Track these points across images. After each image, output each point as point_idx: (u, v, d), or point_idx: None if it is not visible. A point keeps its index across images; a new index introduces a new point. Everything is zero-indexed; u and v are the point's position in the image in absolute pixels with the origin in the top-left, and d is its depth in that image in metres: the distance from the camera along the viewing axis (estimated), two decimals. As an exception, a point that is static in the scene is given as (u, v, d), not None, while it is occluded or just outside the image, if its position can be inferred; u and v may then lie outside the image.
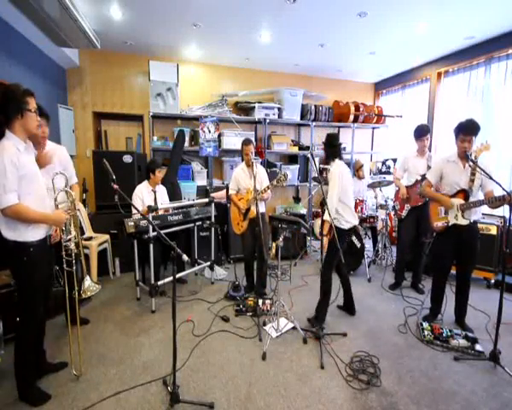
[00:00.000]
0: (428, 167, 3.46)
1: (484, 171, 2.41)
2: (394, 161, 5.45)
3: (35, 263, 1.88)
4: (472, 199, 2.60)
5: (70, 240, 2.11)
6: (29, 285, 1.89)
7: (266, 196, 3.25)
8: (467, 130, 2.56)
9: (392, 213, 4.10)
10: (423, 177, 3.47)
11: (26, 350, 1.94)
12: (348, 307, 3.12)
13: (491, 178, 2.38)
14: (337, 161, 2.83)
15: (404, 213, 3.63)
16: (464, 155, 2.58)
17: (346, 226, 2.79)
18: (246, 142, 3.31)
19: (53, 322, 2.81)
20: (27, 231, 1.83)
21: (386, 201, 4.31)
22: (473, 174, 2.58)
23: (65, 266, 2.08)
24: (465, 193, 2.62)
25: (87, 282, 2.18)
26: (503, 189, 2.28)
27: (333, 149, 2.87)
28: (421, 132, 3.47)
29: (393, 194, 3.98)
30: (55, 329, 2.73)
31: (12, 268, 1.94)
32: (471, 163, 2.51)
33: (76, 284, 2.14)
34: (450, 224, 2.71)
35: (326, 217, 2.68)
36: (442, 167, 2.78)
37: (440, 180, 2.82)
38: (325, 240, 2.87)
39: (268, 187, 3.14)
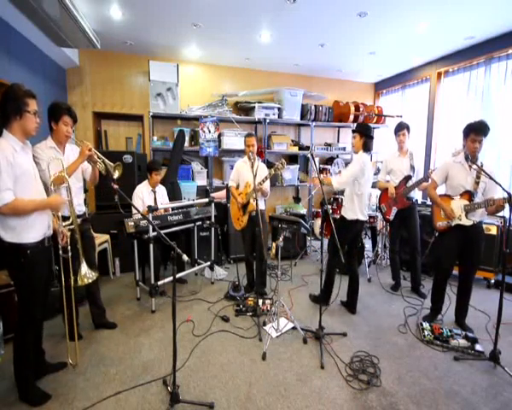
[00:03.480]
0: (411, 166, 3.48)
1: (485, 172, 2.42)
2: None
3: (32, 265, 1.86)
4: (476, 201, 2.60)
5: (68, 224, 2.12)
6: (27, 287, 1.88)
7: (265, 187, 3.23)
8: (478, 130, 2.54)
9: (380, 216, 4.12)
10: (407, 177, 3.48)
11: (25, 350, 1.94)
12: (349, 305, 3.13)
13: (491, 178, 2.39)
14: (365, 153, 2.91)
15: (391, 216, 3.64)
16: (465, 158, 2.59)
17: (348, 217, 2.88)
18: (248, 134, 3.41)
19: (53, 322, 2.81)
20: (24, 233, 1.81)
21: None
22: (478, 177, 2.59)
23: (60, 252, 2.07)
24: (470, 194, 2.63)
25: (83, 269, 2.14)
26: (505, 190, 2.28)
27: (369, 139, 2.93)
28: (398, 128, 3.58)
29: (378, 197, 3.98)
30: (54, 329, 2.72)
31: (9, 270, 1.91)
32: (472, 165, 2.52)
33: (72, 272, 2.13)
34: (453, 224, 2.72)
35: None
36: (448, 168, 2.77)
37: (446, 181, 2.81)
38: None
39: (266, 177, 3.13)
